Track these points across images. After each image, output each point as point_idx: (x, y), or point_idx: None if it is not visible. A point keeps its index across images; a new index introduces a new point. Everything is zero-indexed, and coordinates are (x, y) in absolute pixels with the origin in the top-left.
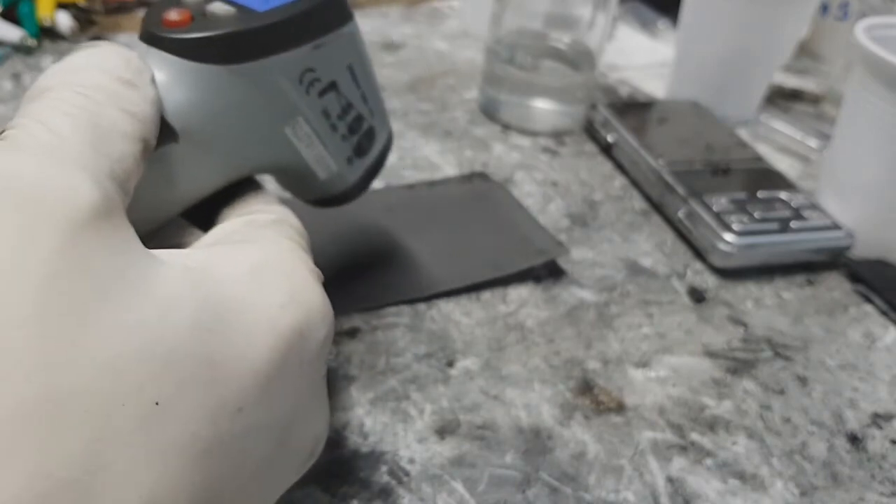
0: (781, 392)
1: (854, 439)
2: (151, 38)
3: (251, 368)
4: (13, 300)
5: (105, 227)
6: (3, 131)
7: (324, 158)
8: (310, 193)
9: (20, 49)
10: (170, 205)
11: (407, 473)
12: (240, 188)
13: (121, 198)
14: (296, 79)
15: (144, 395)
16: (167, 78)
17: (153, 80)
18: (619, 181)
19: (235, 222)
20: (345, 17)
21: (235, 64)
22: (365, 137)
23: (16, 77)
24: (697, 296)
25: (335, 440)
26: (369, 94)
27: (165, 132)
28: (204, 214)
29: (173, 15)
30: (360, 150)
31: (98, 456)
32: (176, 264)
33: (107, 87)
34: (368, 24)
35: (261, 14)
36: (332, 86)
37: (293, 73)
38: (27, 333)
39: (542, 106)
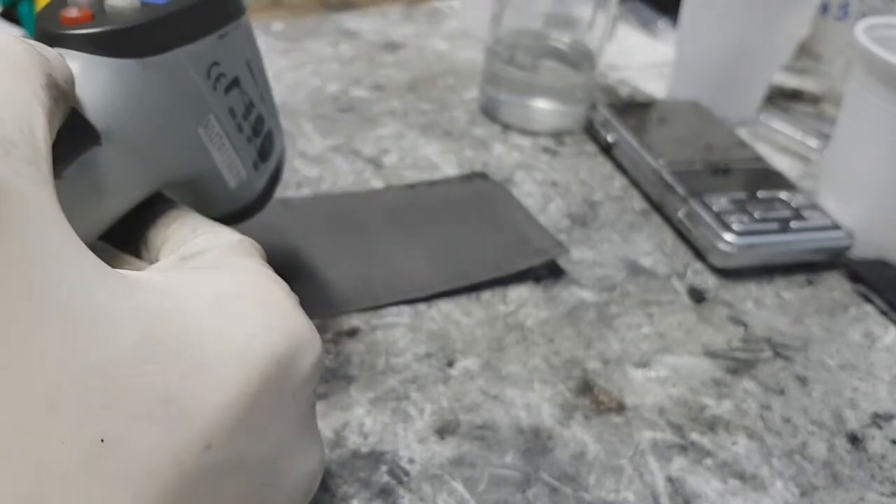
0: (781, 392)
1: (854, 439)
2: (52, 36)
3: (218, 403)
4: None
5: (12, 223)
6: None
7: (234, 163)
8: (218, 207)
9: None
10: (96, 219)
11: (407, 473)
12: (155, 207)
13: (34, 172)
14: (204, 73)
15: (86, 432)
16: (80, 76)
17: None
18: (619, 181)
19: (199, 243)
20: (240, 9)
21: (146, 57)
22: (266, 140)
23: None
24: (697, 296)
25: (335, 440)
26: (265, 94)
27: (87, 134)
28: (121, 238)
29: (72, 12)
30: (263, 154)
31: (41, 500)
32: (125, 285)
33: None
34: (368, 24)
35: (163, 5)
36: (236, 82)
37: (202, 66)
38: None
39: (542, 106)
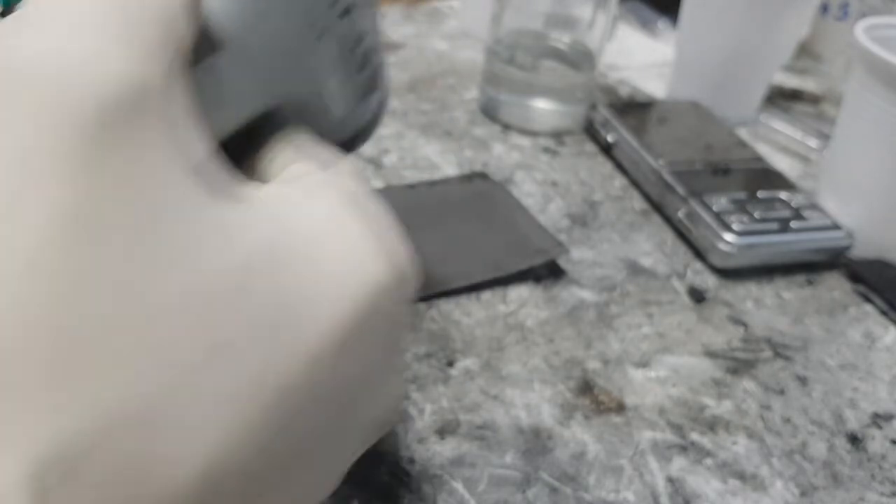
0: (781, 392)
1: (854, 439)
2: None
3: (329, 317)
4: (25, 238)
5: (145, 125)
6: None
7: (343, 88)
8: (322, 136)
9: None
10: (213, 132)
11: (407, 473)
12: (264, 128)
13: (171, 69)
14: None
15: (210, 333)
16: None
17: None
18: (619, 181)
19: (301, 168)
20: None
21: None
22: (374, 73)
23: None
24: (697, 296)
25: None
26: (375, 30)
27: (205, 42)
28: (229, 160)
29: None
30: (370, 87)
31: (165, 396)
32: (247, 191)
33: None
34: None
35: None
36: (351, 9)
37: None
38: (49, 259)
39: (542, 106)
